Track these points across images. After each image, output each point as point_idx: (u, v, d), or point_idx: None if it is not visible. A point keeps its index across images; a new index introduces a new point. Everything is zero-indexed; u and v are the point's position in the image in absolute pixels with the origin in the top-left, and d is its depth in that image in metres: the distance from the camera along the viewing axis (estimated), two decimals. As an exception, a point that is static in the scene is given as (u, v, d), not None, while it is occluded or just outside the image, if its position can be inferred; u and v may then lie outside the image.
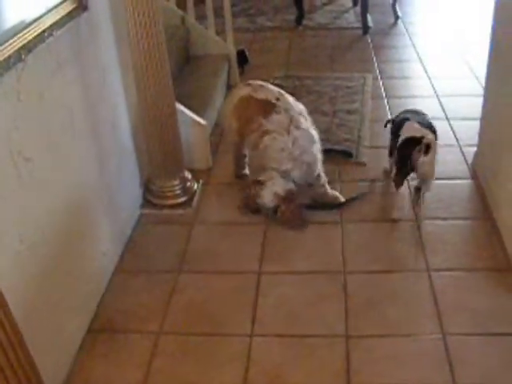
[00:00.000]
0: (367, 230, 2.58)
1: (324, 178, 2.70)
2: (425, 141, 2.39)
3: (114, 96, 2.46)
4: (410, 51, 4.51)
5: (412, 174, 2.56)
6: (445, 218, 2.62)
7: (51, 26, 1.82)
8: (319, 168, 2.66)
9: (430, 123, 2.59)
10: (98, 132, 2.25)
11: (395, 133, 2.61)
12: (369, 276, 2.32)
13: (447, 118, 3.41)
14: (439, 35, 4.79)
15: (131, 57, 2.47)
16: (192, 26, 3.94)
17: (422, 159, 2.41)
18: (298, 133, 2.56)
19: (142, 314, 2.19)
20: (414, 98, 3.71)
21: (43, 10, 1.81)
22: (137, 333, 2.12)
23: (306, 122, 2.66)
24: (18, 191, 1.66)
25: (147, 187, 2.81)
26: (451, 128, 3.30)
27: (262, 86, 2.75)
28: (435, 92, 3.76)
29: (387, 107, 3.59)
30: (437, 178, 2.63)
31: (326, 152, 2.76)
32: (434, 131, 2.53)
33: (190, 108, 2.99)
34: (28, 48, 1.67)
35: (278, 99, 2.65)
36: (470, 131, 3.07)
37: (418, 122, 2.53)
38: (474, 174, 2.87)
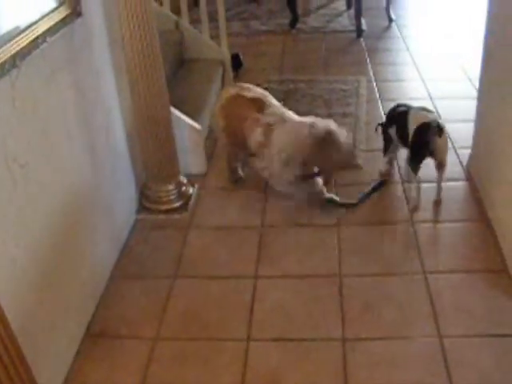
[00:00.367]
0: (363, 233, 2.58)
1: (321, 184, 2.72)
2: (438, 124, 2.53)
3: (108, 100, 2.45)
4: (403, 54, 4.52)
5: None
6: (440, 220, 2.63)
7: (45, 32, 1.82)
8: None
9: (429, 109, 2.79)
10: (93, 137, 2.25)
11: (399, 124, 2.70)
12: (365, 279, 2.32)
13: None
14: (433, 38, 4.80)
15: (125, 60, 2.47)
16: (186, 31, 3.94)
17: (439, 141, 2.53)
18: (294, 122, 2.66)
19: (138, 319, 2.19)
20: (408, 100, 3.70)
21: (37, 16, 1.81)
22: (133, 338, 2.11)
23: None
24: (13, 198, 1.66)
25: (142, 192, 2.81)
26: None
27: (248, 87, 2.83)
28: (429, 94, 3.77)
29: (381, 110, 3.60)
30: (431, 180, 2.66)
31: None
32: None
33: (184, 112, 2.99)
34: (22, 54, 1.67)
35: (265, 96, 2.77)
36: (464, 133, 3.08)
37: (422, 110, 2.70)
38: (469, 176, 2.88)
